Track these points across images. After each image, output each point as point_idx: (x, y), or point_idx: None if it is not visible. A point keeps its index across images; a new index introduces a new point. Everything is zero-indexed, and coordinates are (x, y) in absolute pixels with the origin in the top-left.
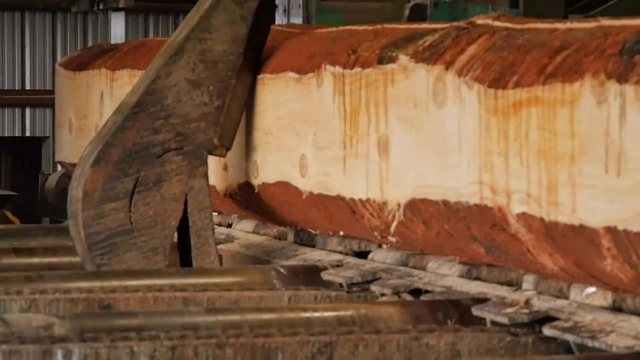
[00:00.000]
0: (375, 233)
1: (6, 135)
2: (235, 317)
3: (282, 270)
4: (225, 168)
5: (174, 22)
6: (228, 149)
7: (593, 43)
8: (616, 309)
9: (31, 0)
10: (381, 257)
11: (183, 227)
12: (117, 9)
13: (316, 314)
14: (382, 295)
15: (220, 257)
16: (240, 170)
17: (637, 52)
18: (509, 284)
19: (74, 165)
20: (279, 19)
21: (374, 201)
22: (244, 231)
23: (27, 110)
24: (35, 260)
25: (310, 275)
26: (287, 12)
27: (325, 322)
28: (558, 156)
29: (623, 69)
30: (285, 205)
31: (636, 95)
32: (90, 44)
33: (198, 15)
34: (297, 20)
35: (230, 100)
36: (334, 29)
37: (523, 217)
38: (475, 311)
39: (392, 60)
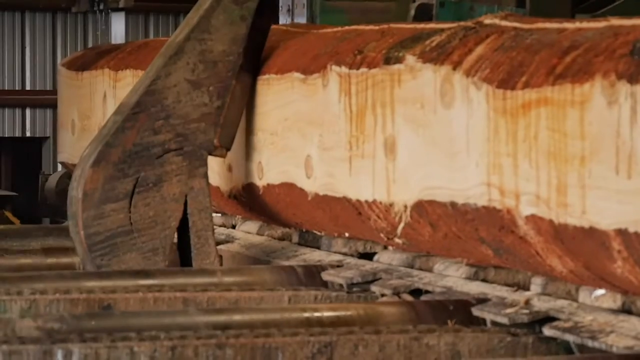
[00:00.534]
0: (382, 235)
1: (6, 136)
2: (235, 318)
3: (282, 270)
4: (230, 169)
5: (174, 22)
6: (228, 150)
7: (603, 43)
8: (625, 311)
9: (31, 0)
10: (387, 259)
11: (183, 227)
12: (117, 9)
13: (316, 314)
14: (382, 295)
15: (220, 257)
16: (244, 171)
17: None
18: (517, 285)
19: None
20: (283, 19)
21: (381, 202)
22: (248, 232)
23: (28, 111)
24: (35, 260)
25: (310, 276)
26: (291, 11)
27: (325, 323)
28: (568, 157)
29: (634, 69)
30: (290, 206)
31: None
32: (90, 44)
33: (198, 16)
34: (301, 20)
35: (230, 101)
36: (339, 28)
37: (532, 219)
38: (476, 311)
39: (398, 60)
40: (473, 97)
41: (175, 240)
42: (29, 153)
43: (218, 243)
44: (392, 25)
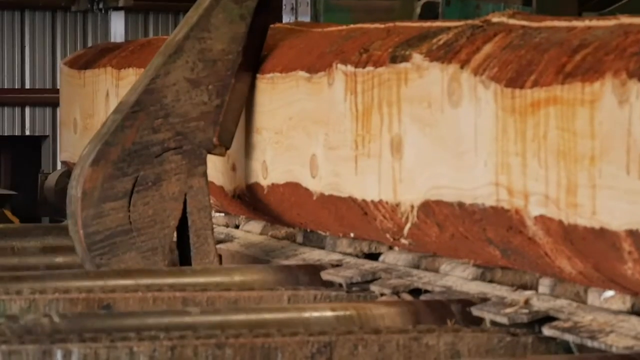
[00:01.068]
0: (388, 235)
1: (6, 134)
2: (234, 317)
3: (281, 270)
4: (234, 168)
5: (174, 21)
6: (227, 148)
7: (613, 42)
8: (635, 312)
9: None
10: (392, 259)
11: (182, 226)
12: (116, 8)
13: (315, 314)
14: (382, 295)
15: (220, 256)
16: (248, 171)
17: None
18: (524, 287)
19: None
20: (287, 17)
21: (387, 202)
22: (251, 232)
23: (27, 109)
24: (34, 259)
25: (309, 275)
26: (294, 10)
27: (324, 322)
28: (578, 157)
29: None
30: (294, 206)
31: None
32: (90, 43)
33: (197, 14)
34: (305, 18)
35: (229, 99)
36: (344, 27)
37: (541, 219)
38: (475, 311)
39: (405, 59)
40: (481, 96)
41: (175, 239)
42: (28, 152)
43: (217, 242)
44: (398, 23)
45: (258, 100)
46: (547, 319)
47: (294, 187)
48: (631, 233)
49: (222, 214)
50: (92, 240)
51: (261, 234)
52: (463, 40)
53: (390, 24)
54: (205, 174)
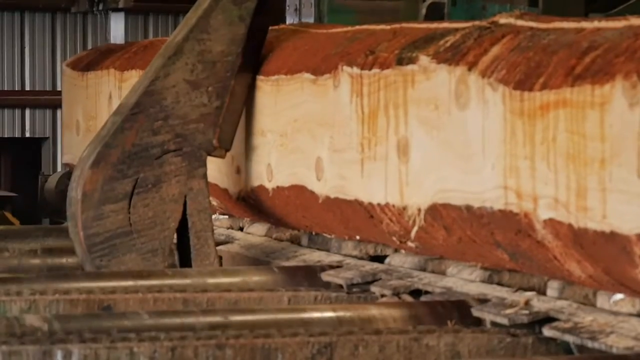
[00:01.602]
0: (394, 238)
1: (6, 136)
2: (235, 318)
3: (282, 271)
4: (238, 171)
5: (174, 22)
6: (227, 150)
7: (623, 43)
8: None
9: (31, 0)
10: (398, 262)
11: (182, 228)
12: (116, 10)
13: (316, 315)
14: (382, 296)
15: (220, 258)
16: (253, 174)
17: None
18: (532, 289)
19: None
20: (290, 18)
21: (393, 206)
22: (255, 234)
23: (27, 111)
24: (35, 261)
25: (310, 277)
26: (298, 11)
27: (325, 323)
28: (587, 160)
29: None
30: (300, 209)
31: None
32: (89, 44)
33: (196, 16)
34: (309, 19)
35: (229, 101)
36: (349, 28)
37: (550, 223)
38: (475, 312)
39: (412, 61)
40: (489, 98)
41: (175, 241)
42: (28, 154)
43: (218, 244)
44: (404, 24)
45: (263, 102)
46: (547, 319)
47: (299, 190)
48: None
49: (226, 217)
50: (92, 242)
51: (266, 235)
52: (470, 41)
53: (396, 25)
54: (205, 176)
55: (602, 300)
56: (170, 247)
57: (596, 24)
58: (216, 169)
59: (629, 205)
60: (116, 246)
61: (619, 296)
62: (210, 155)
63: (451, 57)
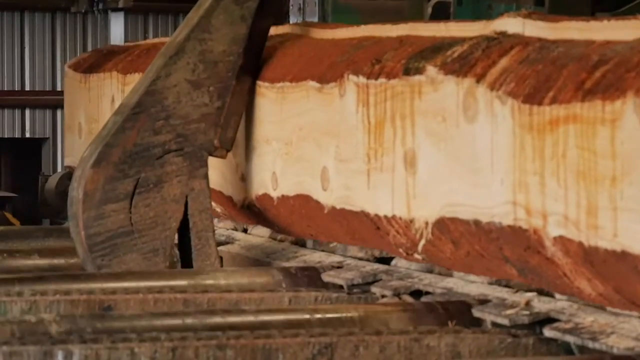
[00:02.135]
0: (401, 250)
1: (6, 137)
2: (235, 319)
3: (282, 271)
4: (243, 179)
5: (174, 22)
6: (228, 150)
7: (634, 58)
8: None
9: (31, 0)
10: (405, 264)
11: (183, 228)
12: (116, 9)
13: (317, 315)
14: (383, 296)
15: (221, 258)
16: (258, 182)
17: None
18: (541, 293)
19: None
20: (294, 18)
21: (400, 218)
22: (259, 236)
23: (27, 112)
24: (35, 261)
25: (310, 277)
26: (302, 10)
27: (325, 324)
28: (598, 177)
29: None
30: (305, 218)
31: None
32: (89, 44)
33: (198, 16)
34: (313, 19)
35: (230, 101)
36: (354, 28)
37: (560, 240)
38: (476, 312)
39: (419, 71)
40: (498, 111)
41: (176, 241)
42: (28, 154)
43: (218, 244)
44: (410, 27)
45: (268, 110)
46: (548, 320)
47: (305, 200)
48: None
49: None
50: (93, 242)
51: (270, 237)
52: (478, 52)
53: (403, 34)
54: (206, 176)
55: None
56: (172, 247)
57: (605, 22)
58: (220, 176)
59: None
60: (117, 246)
61: None
62: (211, 155)
63: (459, 68)
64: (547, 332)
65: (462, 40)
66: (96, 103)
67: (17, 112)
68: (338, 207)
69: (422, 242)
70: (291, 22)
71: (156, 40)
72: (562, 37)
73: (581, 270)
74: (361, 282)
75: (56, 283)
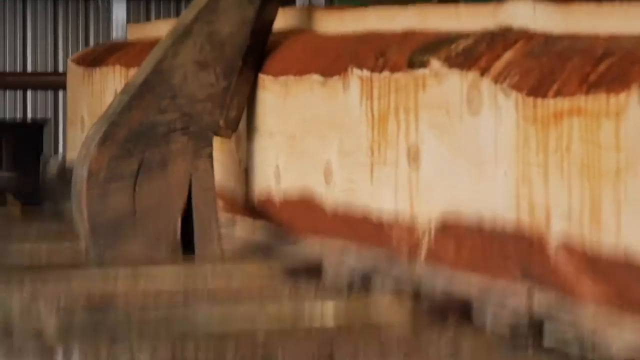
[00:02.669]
0: (403, 250)
1: (7, 118)
2: (235, 313)
3: (282, 266)
4: (246, 173)
5: (176, 8)
6: (234, 131)
7: (639, 51)
8: None
9: None
10: (406, 262)
11: (187, 212)
12: None
13: (316, 313)
14: (383, 294)
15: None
16: (261, 175)
17: None
18: (541, 291)
19: None
20: (300, 1)
21: (403, 217)
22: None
23: (29, 93)
24: (35, 246)
25: (311, 273)
26: None
27: (325, 322)
28: (602, 170)
29: None
30: (308, 211)
31: None
32: (91, 28)
33: None
34: (319, 3)
35: (236, 83)
36: (363, 15)
37: (563, 233)
38: (476, 311)
39: (423, 64)
40: (502, 104)
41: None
42: (30, 135)
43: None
44: (416, 30)
45: (271, 103)
46: (548, 319)
47: (308, 194)
48: None
49: None
50: (96, 221)
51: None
52: (483, 46)
53: (412, 13)
54: (211, 156)
55: None
56: (175, 232)
57: (618, 7)
58: (224, 170)
59: None
60: (121, 226)
61: None
62: (216, 135)
63: (463, 61)
64: (547, 333)
65: (466, 35)
66: (99, 97)
67: (19, 93)
68: (341, 201)
69: (425, 239)
70: (297, 4)
71: (159, 36)
72: (573, 21)
73: (583, 265)
74: (362, 279)
75: (56, 278)
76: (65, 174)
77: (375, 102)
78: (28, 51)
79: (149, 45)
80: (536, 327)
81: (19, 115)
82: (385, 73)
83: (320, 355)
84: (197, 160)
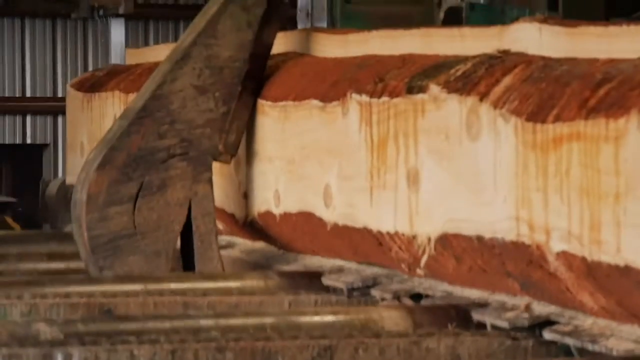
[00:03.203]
0: (403, 265)
1: (7, 143)
2: (235, 321)
3: (282, 275)
4: (245, 196)
5: (174, 28)
6: (233, 156)
7: (638, 76)
8: None
9: (31, 6)
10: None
11: (186, 232)
12: (117, 16)
13: (316, 318)
14: (383, 299)
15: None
16: (260, 199)
17: None
18: None
19: None
20: (302, 24)
21: (403, 234)
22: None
23: (28, 118)
24: (35, 266)
25: (310, 281)
26: (310, 16)
27: (325, 326)
28: (602, 194)
29: None
30: (307, 235)
31: None
32: (90, 50)
33: (204, 21)
34: (322, 24)
35: (235, 107)
36: (366, 38)
37: (563, 255)
38: (476, 315)
39: (422, 89)
40: (501, 129)
41: (178, 245)
42: (29, 160)
43: (219, 248)
44: (414, 53)
45: (270, 128)
46: (547, 323)
47: (307, 217)
48: None
49: None
50: (96, 243)
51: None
52: (481, 71)
53: (416, 36)
54: (210, 181)
55: None
56: (174, 250)
57: (624, 28)
58: (223, 194)
59: None
60: (120, 247)
61: None
62: (215, 160)
63: (462, 86)
64: (547, 335)
65: (465, 59)
66: (98, 123)
67: (19, 118)
68: (340, 223)
69: (425, 257)
70: (299, 27)
71: (158, 61)
72: (580, 43)
73: (584, 284)
74: (361, 285)
75: (56, 286)
76: (65, 197)
77: (375, 128)
78: (27, 74)
79: (148, 69)
80: (535, 335)
81: (18, 139)
82: (385, 98)
83: (320, 358)
84: (197, 185)
